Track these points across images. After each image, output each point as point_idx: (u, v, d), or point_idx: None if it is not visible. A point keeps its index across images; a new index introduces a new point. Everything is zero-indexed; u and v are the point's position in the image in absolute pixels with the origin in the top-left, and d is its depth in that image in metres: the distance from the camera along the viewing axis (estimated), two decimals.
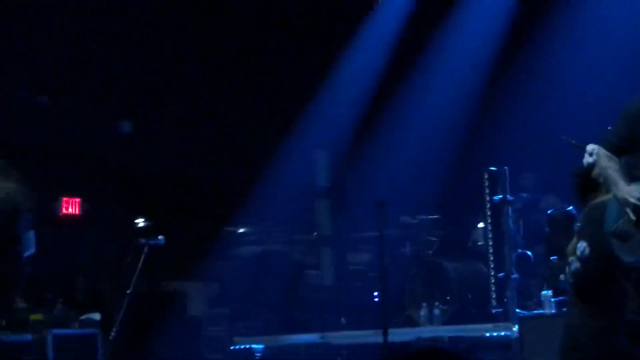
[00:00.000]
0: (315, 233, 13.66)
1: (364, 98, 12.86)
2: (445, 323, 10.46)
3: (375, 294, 11.53)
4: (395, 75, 12.47)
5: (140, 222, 15.02)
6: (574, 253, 6.02)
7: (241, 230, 15.45)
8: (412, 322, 10.77)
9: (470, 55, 12.06)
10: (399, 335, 9.52)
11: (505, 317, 10.02)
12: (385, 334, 8.00)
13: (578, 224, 6.23)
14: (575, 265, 5.97)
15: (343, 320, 12.18)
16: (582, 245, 5.92)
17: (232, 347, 12.05)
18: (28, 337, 11.07)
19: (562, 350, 5.95)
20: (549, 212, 10.19)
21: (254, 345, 11.60)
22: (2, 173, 8.42)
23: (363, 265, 13.44)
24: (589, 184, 6.02)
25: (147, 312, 13.10)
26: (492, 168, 10.40)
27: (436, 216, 11.34)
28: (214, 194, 14.28)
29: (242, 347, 11.81)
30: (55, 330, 11.02)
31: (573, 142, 6.17)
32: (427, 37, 12.22)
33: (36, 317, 11.21)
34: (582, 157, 6.03)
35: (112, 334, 9.00)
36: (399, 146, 12.44)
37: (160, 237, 9.05)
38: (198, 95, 14.06)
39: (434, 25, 12.18)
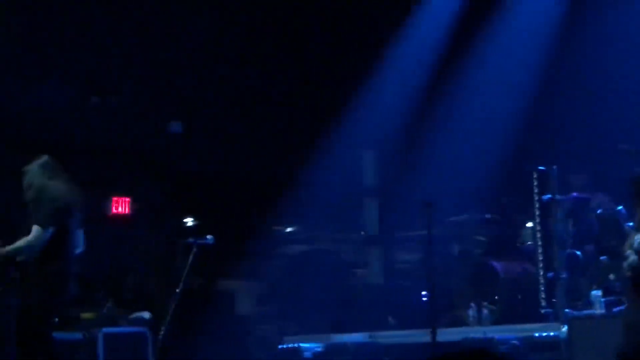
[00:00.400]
0: (363, 232, 13.67)
1: (412, 97, 12.82)
2: (493, 323, 10.41)
3: (423, 293, 11.49)
4: (444, 73, 12.43)
5: (189, 221, 15.13)
6: (630, 247, 6.06)
7: (289, 230, 15.50)
8: (460, 322, 10.73)
9: (520, 52, 11.97)
10: (447, 335, 9.48)
11: (554, 318, 9.95)
12: (433, 333, 7.98)
13: (630, 223, 6.25)
14: (633, 257, 6.02)
15: (391, 319, 12.16)
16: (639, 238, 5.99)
17: (280, 346, 12.06)
18: (79, 335, 11.20)
19: (623, 349, 5.92)
20: (598, 211, 10.11)
21: (302, 344, 11.61)
22: (52, 172, 8.52)
23: (411, 265, 13.43)
24: None
25: (196, 311, 13.18)
26: (541, 167, 10.33)
27: (485, 215, 11.30)
28: (262, 193, 14.31)
29: (290, 346, 11.82)
30: (106, 329, 11.12)
31: (630, 150, 6.19)
32: (477, 34, 12.15)
33: (87, 315, 11.34)
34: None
35: (161, 332, 9.06)
36: (448, 145, 12.39)
37: (209, 236, 9.11)
38: (246, 95, 14.11)
39: (485, 21, 12.11)
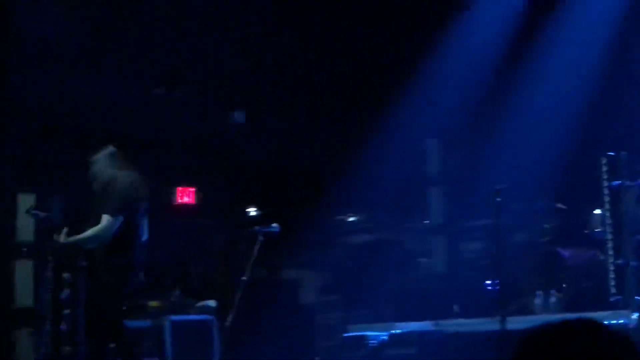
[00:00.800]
0: (427, 221, 13.63)
1: (476, 83, 12.74)
2: (561, 311, 10.33)
3: (488, 282, 11.42)
4: (509, 58, 12.33)
5: (252, 211, 15.20)
6: None
7: (353, 219, 15.50)
8: (527, 310, 10.66)
9: (587, 37, 11.85)
10: (515, 323, 9.42)
11: (623, 305, 9.84)
12: (503, 321, 7.93)
13: None
14: None
15: (456, 308, 12.11)
16: None
17: (344, 335, 12.07)
18: (147, 323, 11.31)
19: None
20: None
21: (367, 333, 11.61)
22: (120, 162, 8.63)
23: (475, 254, 13.37)
24: None
25: (261, 300, 13.23)
26: (610, 153, 10.22)
27: (552, 203, 11.20)
28: (326, 182, 14.34)
29: (355, 334, 11.83)
30: (173, 317, 11.23)
31: None
32: (544, 20, 12.04)
33: (154, 303, 11.45)
34: None
35: (228, 320, 9.12)
36: (514, 132, 12.30)
37: (274, 225, 9.14)
38: (309, 83, 14.12)
39: (550, 9, 12.00)
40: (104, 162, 8.63)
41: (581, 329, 2.20)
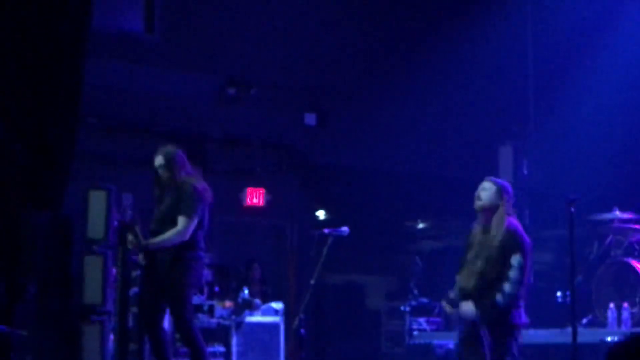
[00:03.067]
0: None
1: (550, 89, 12.55)
2: (634, 325, 10.10)
3: (559, 294, 11.23)
4: (583, 62, 12.11)
5: (321, 214, 15.16)
6: None
7: (421, 225, 15.39)
8: (599, 324, 10.45)
9: None
10: (586, 336, 9.24)
11: None
12: (574, 333, 7.75)
13: None
14: None
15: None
16: None
17: (411, 342, 11.97)
18: (214, 323, 11.33)
19: None
20: None
21: (433, 341, 11.49)
22: (185, 163, 8.66)
23: (547, 265, 13.17)
24: None
25: (329, 304, 13.21)
26: None
27: (627, 214, 10.96)
28: (396, 187, 14.24)
29: (421, 342, 11.72)
30: (239, 318, 11.22)
31: None
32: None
33: (222, 304, 11.45)
34: None
35: (295, 323, 9.07)
36: (590, 140, 12.08)
37: (344, 227, 9.07)
38: (381, 85, 14.04)
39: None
40: (175, 163, 8.64)
41: None
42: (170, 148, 8.71)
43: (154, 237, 8.43)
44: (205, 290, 12.53)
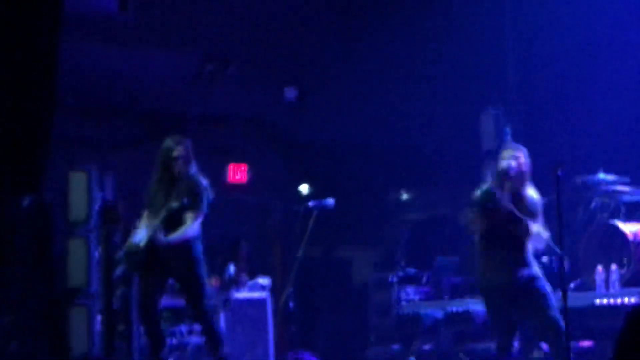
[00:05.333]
0: None
1: (532, 55, 12.49)
2: (623, 286, 10.09)
3: (545, 259, 11.21)
4: (560, 21, 12.02)
5: (304, 188, 15.09)
6: None
7: (405, 196, 15.35)
8: (587, 287, 10.44)
9: None
10: (576, 299, 9.23)
11: None
12: (564, 297, 7.71)
13: None
14: None
15: None
16: None
17: (399, 313, 11.95)
18: None
19: None
20: None
21: (421, 311, 11.48)
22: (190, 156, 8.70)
23: None
24: None
25: (315, 277, 13.15)
26: None
27: (612, 176, 10.93)
28: (379, 159, 14.19)
29: (409, 313, 11.70)
30: (226, 295, 11.17)
31: None
32: None
33: (208, 281, 11.39)
34: None
35: (282, 298, 9.05)
36: (574, 101, 12.02)
37: (329, 200, 9.03)
38: (360, 58, 13.96)
39: None
40: (188, 159, 8.66)
41: None
42: (186, 138, 8.75)
43: (164, 229, 8.46)
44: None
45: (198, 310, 8.54)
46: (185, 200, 8.43)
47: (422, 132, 13.72)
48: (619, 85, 11.60)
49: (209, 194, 8.52)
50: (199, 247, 8.56)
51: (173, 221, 8.51)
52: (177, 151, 8.69)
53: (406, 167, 13.95)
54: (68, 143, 12.68)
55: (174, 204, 8.49)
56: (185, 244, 8.45)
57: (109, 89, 13.31)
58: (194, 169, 8.67)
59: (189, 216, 8.44)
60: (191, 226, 8.42)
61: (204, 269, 8.57)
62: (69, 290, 9.99)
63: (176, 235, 8.48)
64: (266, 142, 14.80)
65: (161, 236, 8.50)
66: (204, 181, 8.55)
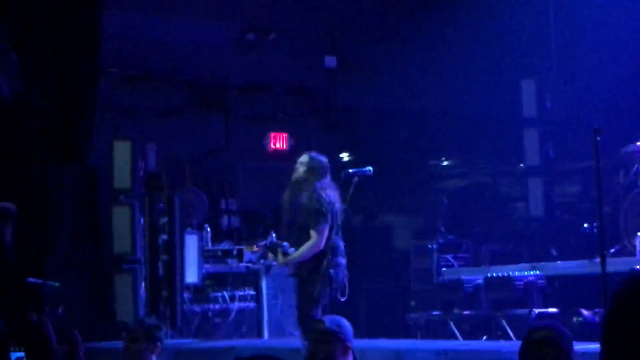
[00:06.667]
0: (522, 164, 13.42)
1: (573, 21, 12.42)
2: None
3: (586, 225, 11.22)
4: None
5: (345, 156, 15.16)
6: None
7: (446, 163, 15.38)
8: (628, 253, 10.45)
9: None
10: (615, 265, 9.24)
11: None
12: (602, 263, 7.75)
13: None
14: None
15: (553, 251, 11.95)
16: None
17: (440, 279, 12.02)
18: (243, 268, 11.43)
19: None
20: None
21: (462, 277, 11.54)
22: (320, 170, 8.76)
23: (573, 197, 13.14)
24: None
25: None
26: None
27: None
28: (419, 127, 14.22)
29: (450, 278, 11.77)
30: (268, 262, 11.30)
31: None
32: None
33: (250, 248, 11.54)
34: None
35: (322, 265, 9.13)
36: (609, 70, 11.96)
37: (368, 167, 9.08)
38: (401, 25, 13.95)
39: None
40: (311, 177, 8.73)
41: None
42: (305, 159, 8.82)
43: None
44: (234, 235, 12.65)
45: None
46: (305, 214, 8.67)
47: (463, 99, 13.72)
48: None
49: (330, 205, 8.61)
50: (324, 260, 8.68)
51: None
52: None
53: (446, 135, 13.96)
54: (112, 111, 12.85)
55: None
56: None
57: (152, 58, 13.44)
58: (313, 186, 8.75)
59: (312, 233, 8.64)
60: (312, 244, 8.54)
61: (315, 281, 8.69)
62: (115, 257, 10.17)
63: (292, 255, 8.69)
64: (307, 110, 14.87)
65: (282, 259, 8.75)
66: (325, 195, 8.65)
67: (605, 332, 2.26)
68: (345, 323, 5.90)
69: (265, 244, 10.67)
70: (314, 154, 8.80)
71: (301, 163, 8.77)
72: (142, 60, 13.43)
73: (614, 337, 2.19)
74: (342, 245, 8.63)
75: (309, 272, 8.50)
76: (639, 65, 11.73)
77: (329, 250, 8.49)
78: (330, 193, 8.55)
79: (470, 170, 14.73)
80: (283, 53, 14.16)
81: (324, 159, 8.75)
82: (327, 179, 8.67)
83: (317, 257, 8.48)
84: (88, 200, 10.57)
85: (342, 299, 8.64)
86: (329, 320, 5.95)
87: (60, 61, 10.69)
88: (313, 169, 8.66)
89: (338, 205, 8.56)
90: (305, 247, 8.49)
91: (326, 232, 8.45)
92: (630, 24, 11.88)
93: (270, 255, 8.73)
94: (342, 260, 8.61)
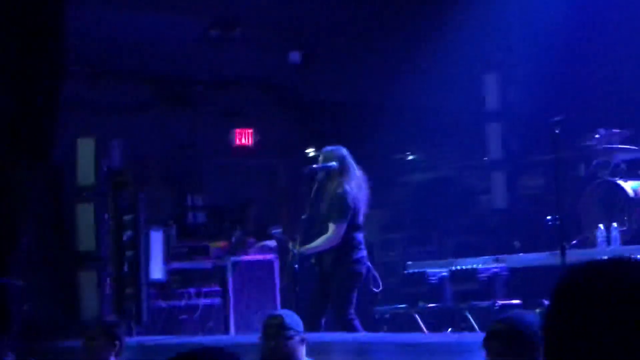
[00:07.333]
0: (486, 158, 13.52)
1: (535, 15, 12.52)
2: (623, 244, 10.22)
3: (548, 217, 11.33)
4: None
5: (311, 151, 15.20)
6: None
7: (411, 157, 15.45)
8: (589, 244, 10.57)
9: None
10: (576, 256, 9.36)
11: None
12: (563, 255, 7.87)
13: None
14: None
15: (516, 243, 12.06)
16: None
17: (405, 272, 12.09)
18: (209, 264, 11.45)
19: None
20: None
21: (427, 270, 11.61)
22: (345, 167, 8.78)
23: (536, 189, 13.26)
24: None
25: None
26: None
27: (612, 134, 11.01)
28: (384, 121, 14.27)
29: (415, 271, 11.84)
30: (234, 257, 11.34)
31: None
32: None
33: (216, 244, 11.57)
34: None
35: (289, 258, 9.18)
36: (572, 63, 12.08)
37: (333, 163, 9.13)
38: (362, 20, 14.00)
39: None
40: (336, 171, 8.77)
41: (614, 266, 2.10)
42: (332, 151, 8.86)
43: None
44: (200, 231, 12.66)
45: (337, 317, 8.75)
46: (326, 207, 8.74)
47: (427, 93, 13.78)
48: (618, 43, 11.66)
49: (353, 201, 8.73)
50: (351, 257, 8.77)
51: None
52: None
53: (411, 129, 14.03)
54: (77, 109, 12.81)
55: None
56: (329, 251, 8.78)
57: (117, 54, 13.41)
58: (338, 181, 8.81)
59: (329, 227, 8.71)
60: (329, 237, 8.67)
61: (353, 279, 8.76)
62: (79, 254, 10.16)
63: (308, 246, 8.78)
64: (273, 105, 14.89)
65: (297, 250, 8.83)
66: (349, 190, 8.74)
67: (547, 331, 2.13)
68: (297, 316, 6.03)
69: (233, 241, 10.75)
70: (338, 147, 8.90)
71: (325, 157, 8.84)
72: (106, 56, 13.39)
73: (557, 336, 2.09)
74: (362, 239, 8.73)
75: (331, 266, 8.61)
76: (599, 58, 11.86)
77: (351, 245, 8.60)
78: (355, 187, 8.65)
79: (435, 164, 14.81)
80: (249, 48, 14.16)
81: (346, 152, 8.84)
82: (354, 173, 8.77)
83: (339, 250, 8.59)
84: (52, 197, 10.56)
85: (377, 290, 8.76)
86: (283, 314, 6.04)
87: (24, 59, 10.65)
88: (340, 162, 8.74)
89: (363, 200, 8.66)
90: (321, 240, 8.60)
91: (344, 228, 8.53)
92: (590, 18, 12.01)
93: (292, 244, 8.80)
94: (364, 254, 8.71)
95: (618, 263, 2.09)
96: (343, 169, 8.76)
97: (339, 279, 8.64)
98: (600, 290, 2.04)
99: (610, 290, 2.03)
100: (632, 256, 9.35)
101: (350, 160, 8.84)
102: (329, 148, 8.96)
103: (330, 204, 8.67)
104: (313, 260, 8.87)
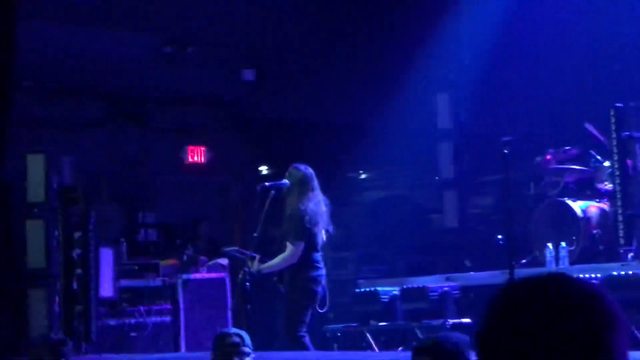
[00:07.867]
0: (438, 177, 13.62)
1: (486, 37, 12.66)
2: (572, 263, 10.33)
3: (500, 236, 11.44)
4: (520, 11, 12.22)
5: (264, 169, 15.22)
6: None
7: (364, 176, 15.51)
8: (538, 263, 10.67)
9: None
10: (525, 275, 9.43)
11: (634, 256, 9.84)
12: (511, 274, 7.94)
13: None
14: None
15: (467, 262, 12.15)
16: None
17: (357, 290, 12.12)
18: (159, 282, 11.39)
19: None
20: None
21: (379, 288, 11.65)
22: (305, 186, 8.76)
23: (486, 209, 13.37)
24: None
25: (273, 256, 13.20)
26: (618, 104, 10.18)
27: (561, 155, 11.14)
28: (337, 139, 14.33)
29: (367, 290, 11.87)
30: (185, 275, 11.28)
31: None
32: None
33: (166, 262, 11.51)
34: None
35: (240, 278, 9.18)
36: (522, 84, 12.22)
37: (285, 180, 9.15)
38: (318, 40, 14.06)
39: None
40: (295, 190, 8.76)
41: (550, 284, 2.11)
42: (296, 170, 8.86)
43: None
44: (151, 249, 12.59)
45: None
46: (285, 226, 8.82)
47: (380, 112, 13.86)
48: (569, 66, 11.83)
49: (311, 221, 8.74)
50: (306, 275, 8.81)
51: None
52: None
53: (364, 147, 14.09)
54: (28, 125, 12.71)
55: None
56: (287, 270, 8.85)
57: (68, 70, 13.34)
58: (298, 200, 8.81)
59: (287, 246, 8.73)
60: (286, 255, 8.72)
61: (307, 298, 8.76)
62: (29, 272, 10.06)
63: (266, 265, 8.80)
64: (225, 123, 14.88)
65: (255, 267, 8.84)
66: (307, 210, 8.71)
67: (480, 351, 2.07)
68: (248, 335, 6.04)
69: (184, 258, 10.70)
70: (302, 166, 8.91)
71: (289, 174, 8.86)
72: (58, 72, 13.32)
73: (490, 351, 2.05)
74: (320, 258, 8.74)
75: (289, 285, 8.65)
76: (549, 80, 12.00)
77: (307, 264, 8.61)
78: (314, 207, 8.65)
79: (387, 182, 14.88)
80: (201, 66, 14.16)
81: (309, 171, 8.85)
82: (315, 192, 8.76)
83: (295, 268, 8.60)
84: (2, 214, 10.45)
85: (321, 311, 8.78)
86: (236, 332, 6.04)
87: None
88: (300, 181, 8.75)
89: (323, 220, 8.67)
90: (278, 259, 8.64)
91: (301, 247, 8.55)
92: (540, 39, 12.17)
93: (249, 262, 8.79)
94: (320, 272, 8.73)
95: (553, 280, 2.10)
96: (301, 188, 8.77)
97: (293, 296, 8.68)
98: (535, 307, 2.05)
99: (544, 307, 2.04)
100: (573, 274, 9.47)
101: (311, 180, 8.84)
102: (295, 165, 8.97)
103: (288, 224, 8.72)
104: (275, 278, 8.90)
